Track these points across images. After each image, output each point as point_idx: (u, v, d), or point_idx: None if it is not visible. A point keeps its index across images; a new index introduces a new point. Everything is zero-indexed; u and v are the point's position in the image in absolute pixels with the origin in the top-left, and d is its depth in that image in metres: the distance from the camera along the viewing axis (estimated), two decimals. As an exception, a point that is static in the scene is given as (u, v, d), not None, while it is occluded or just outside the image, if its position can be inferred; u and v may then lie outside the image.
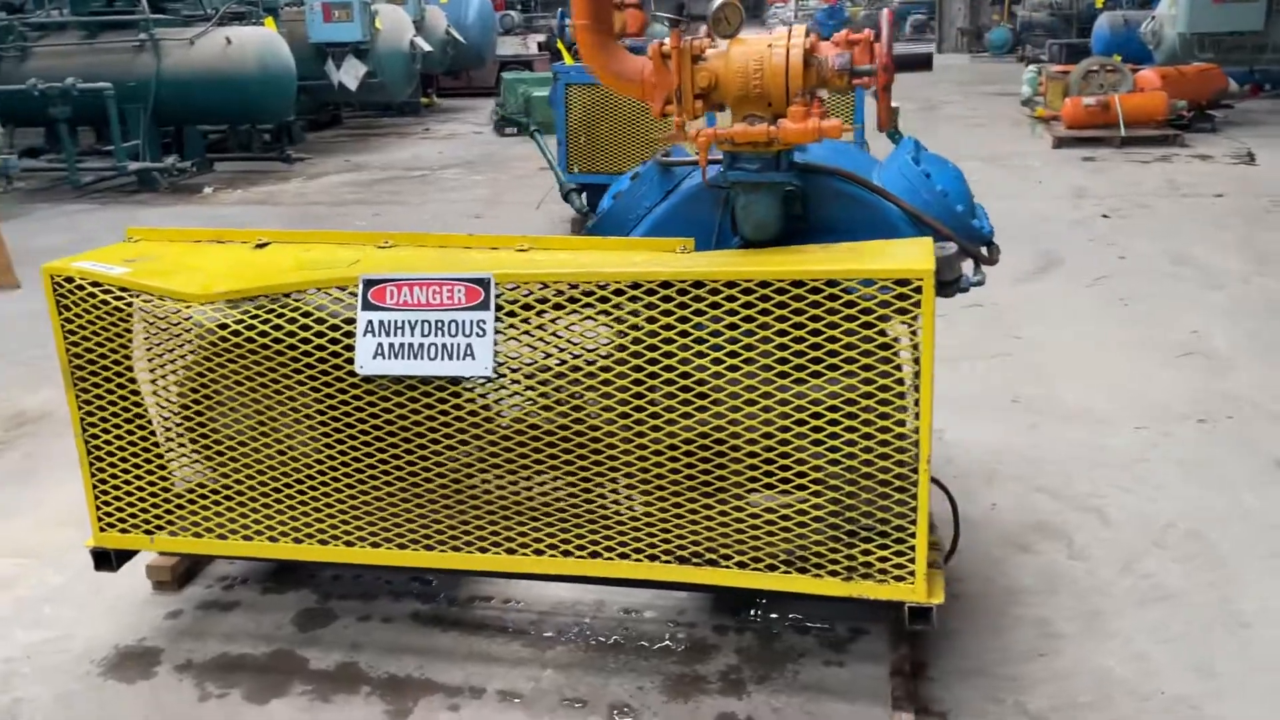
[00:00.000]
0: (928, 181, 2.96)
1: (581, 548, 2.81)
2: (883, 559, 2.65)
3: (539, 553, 2.81)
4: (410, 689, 2.94)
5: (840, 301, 2.53)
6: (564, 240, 2.92)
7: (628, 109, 8.33)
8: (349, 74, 13.68)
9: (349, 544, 2.89)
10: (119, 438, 2.99)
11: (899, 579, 2.64)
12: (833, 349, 2.56)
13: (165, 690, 2.99)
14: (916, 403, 2.56)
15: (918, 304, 2.47)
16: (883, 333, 2.52)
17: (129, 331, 2.88)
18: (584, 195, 5.09)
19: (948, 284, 2.85)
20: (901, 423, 2.57)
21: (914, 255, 2.57)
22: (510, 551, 2.83)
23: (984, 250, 3.08)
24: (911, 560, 2.63)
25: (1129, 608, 3.25)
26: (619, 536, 2.78)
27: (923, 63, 3.59)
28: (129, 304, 2.86)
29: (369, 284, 2.68)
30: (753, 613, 3.21)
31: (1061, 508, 3.92)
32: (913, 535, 2.61)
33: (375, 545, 2.88)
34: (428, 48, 14.85)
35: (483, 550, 2.84)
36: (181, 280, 2.83)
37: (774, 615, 3.21)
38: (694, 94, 2.62)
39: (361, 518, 2.89)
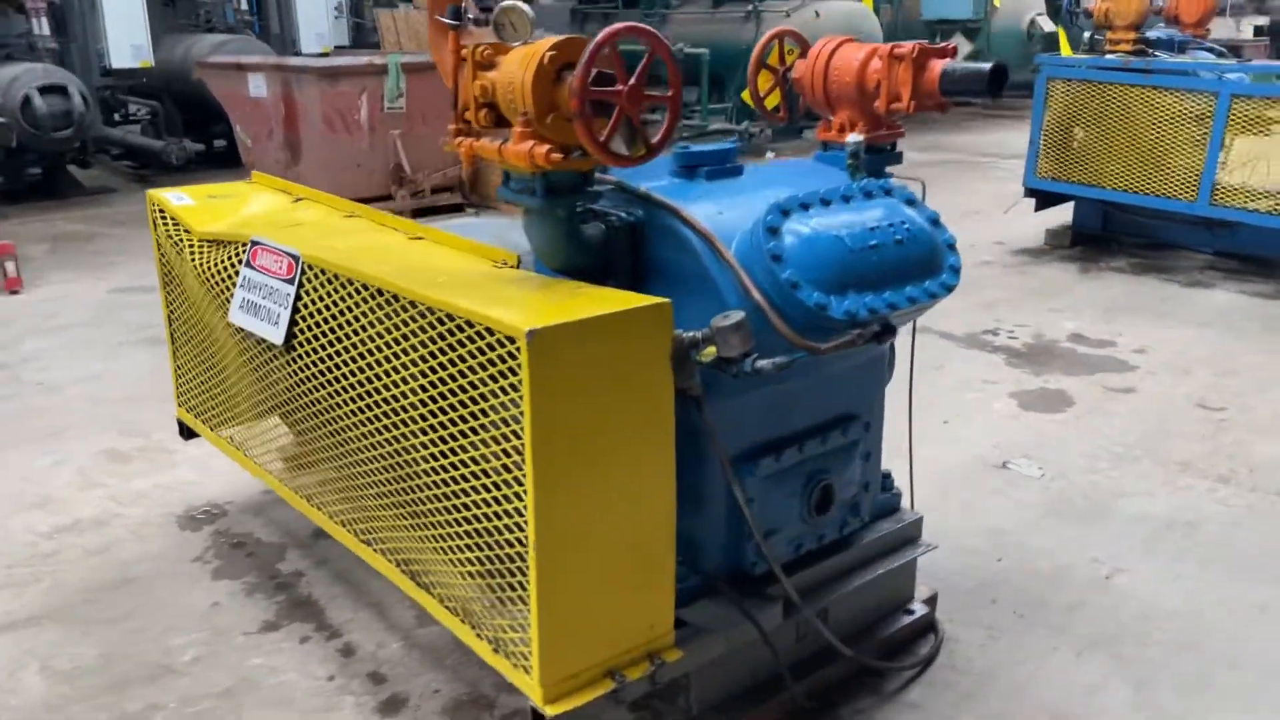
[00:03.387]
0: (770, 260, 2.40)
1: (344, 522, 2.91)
2: (517, 639, 2.34)
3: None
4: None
5: (465, 340, 2.26)
6: (429, 231, 2.93)
7: (1124, 112, 7.17)
8: (949, 54, 13.29)
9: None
10: (180, 333, 3.72)
11: (526, 669, 2.33)
12: (455, 398, 2.31)
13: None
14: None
15: (513, 369, 2.12)
16: (501, 393, 2.20)
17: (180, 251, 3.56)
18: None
19: (728, 361, 2.35)
20: (509, 499, 2.23)
21: (544, 309, 2.18)
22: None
23: (853, 337, 2.42)
24: (527, 654, 2.29)
25: None
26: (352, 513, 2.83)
27: (977, 85, 2.76)
28: (175, 228, 3.53)
29: (254, 244, 3.01)
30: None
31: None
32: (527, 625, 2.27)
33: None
34: (1050, 27, 13.79)
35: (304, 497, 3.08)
36: (202, 219, 3.42)
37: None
38: (478, 103, 2.47)
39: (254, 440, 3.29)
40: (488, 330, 2.16)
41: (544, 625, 2.24)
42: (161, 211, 3.57)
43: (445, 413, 2.35)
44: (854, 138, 2.73)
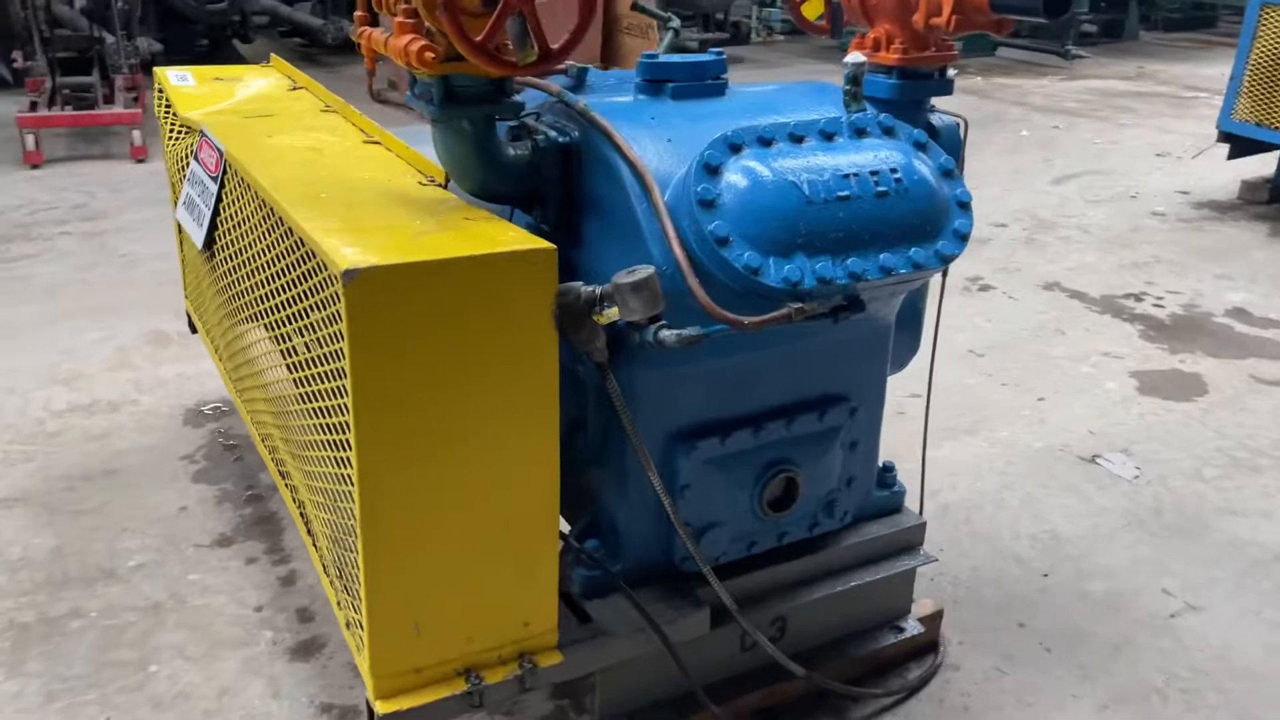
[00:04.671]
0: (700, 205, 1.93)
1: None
2: (357, 621, 2.04)
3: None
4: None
5: (310, 271, 1.91)
6: (389, 140, 2.58)
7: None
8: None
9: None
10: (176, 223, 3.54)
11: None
12: (306, 336, 1.96)
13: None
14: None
15: (338, 315, 1.75)
16: (336, 340, 1.83)
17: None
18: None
19: (634, 325, 1.92)
20: (347, 461, 1.89)
21: (398, 243, 1.80)
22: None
23: (790, 312, 1.93)
24: (360, 643, 1.98)
25: None
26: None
27: (1031, 1, 2.15)
28: (167, 110, 3.31)
29: (201, 135, 2.74)
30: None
31: None
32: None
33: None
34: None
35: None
36: (189, 102, 3.17)
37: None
38: (389, -13, 2.07)
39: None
40: (322, 264, 1.80)
41: (375, 611, 1.92)
42: (160, 90, 3.36)
43: (300, 351, 2.03)
44: (853, 58, 2.19)
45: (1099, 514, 3.45)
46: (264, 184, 2.16)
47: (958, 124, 2.57)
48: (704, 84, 2.29)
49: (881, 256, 2.00)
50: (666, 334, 1.89)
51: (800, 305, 1.92)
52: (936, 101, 2.57)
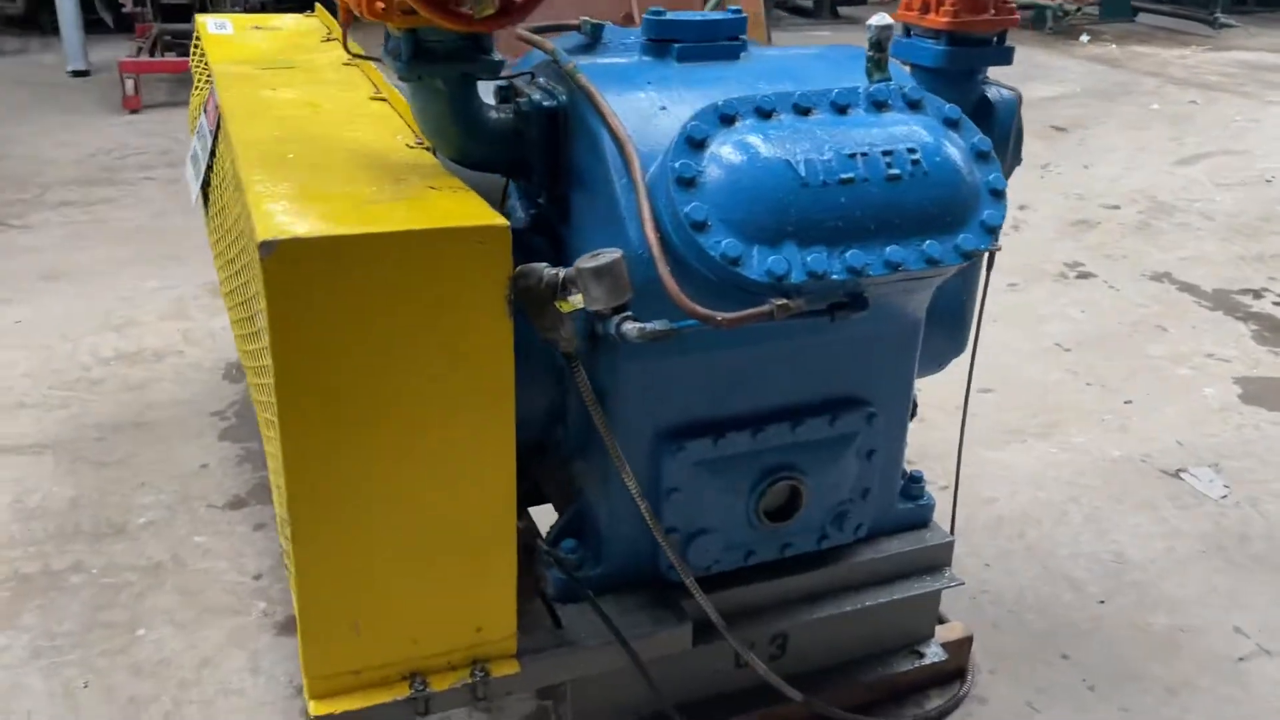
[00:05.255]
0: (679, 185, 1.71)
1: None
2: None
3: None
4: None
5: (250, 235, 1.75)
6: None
7: None
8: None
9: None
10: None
11: (306, 653, 1.89)
12: (253, 308, 1.82)
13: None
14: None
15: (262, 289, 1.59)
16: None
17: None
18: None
19: (600, 315, 1.73)
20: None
21: (343, 212, 1.63)
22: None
23: (772, 309, 1.69)
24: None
25: None
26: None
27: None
28: (200, 59, 3.22)
29: (210, 86, 2.63)
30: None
31: None
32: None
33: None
34: None
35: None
36: (223, 51, 3.07)
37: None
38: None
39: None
40: (251, 231, 1.65)
41: (307, 607, 1.79)
42: (197, 38, 3.27)
43: (251, 322, 1.90)
44: (878, 19, 1.92)
45: (1174, 536, 3.12)
46: (234, 140, 2.03)
47: (1016, 98, 2.28)
48: (715, 45, 2.06)
49: (889, 249, 1.75)
50: (629, 327, 1.69)
51: (784, 302, 1.68)
52: (995, 73, 2.29)
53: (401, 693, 1.88)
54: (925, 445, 3.29)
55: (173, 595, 2.75)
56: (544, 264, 1.73)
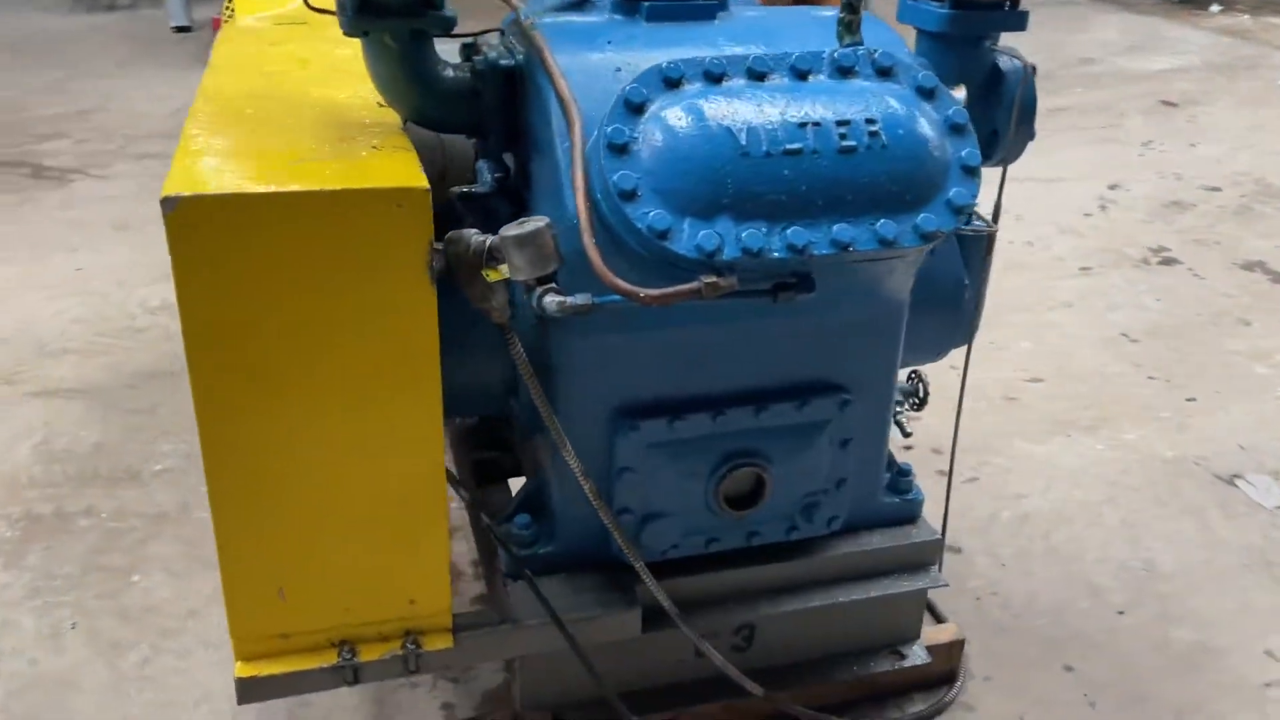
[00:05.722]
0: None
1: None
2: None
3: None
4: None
5: None
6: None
7: None
8: None
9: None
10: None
11: (236, 614, 1.88)
12: None
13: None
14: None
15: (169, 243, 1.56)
16: None
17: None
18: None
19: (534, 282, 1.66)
20: None
21: (267, 169, 1.58)
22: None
23: (700, 287, 1.59)
24: (224, 599, 1.85)
25: None
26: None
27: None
28: (229, 13, 3.22)
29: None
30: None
31: None
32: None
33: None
34: None
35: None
36: (253, 5, 3.08)
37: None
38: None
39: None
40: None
41: (229, 570, 1.79)
42: (231, -5, 3.28)
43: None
44: (849, -22, 1.78)
45: (1214, 547, 2.90)
46: (199, 93, 2.01)
47: (1028, 68, 2.11)
48: (688, 4, 1.94)
49: (836, 228, 1.62)
50: (550, 300, 1.61)
51: (713, 280, 1.58)
52: (1010, 39, 2.12)
53: (329, 660, 1.86)
54: (961, 437, 3.12)
55: (173, 544, 2.80)
56: (474, 230, 1.67)
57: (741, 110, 1.63)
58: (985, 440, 3.35)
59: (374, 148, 1.76)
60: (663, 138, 1.60)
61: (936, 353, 2.30)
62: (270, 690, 1.85)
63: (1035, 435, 3.40)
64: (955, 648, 2.40)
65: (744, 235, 1.59)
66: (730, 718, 2.26)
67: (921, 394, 2.40)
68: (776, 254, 1.60)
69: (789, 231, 1.60)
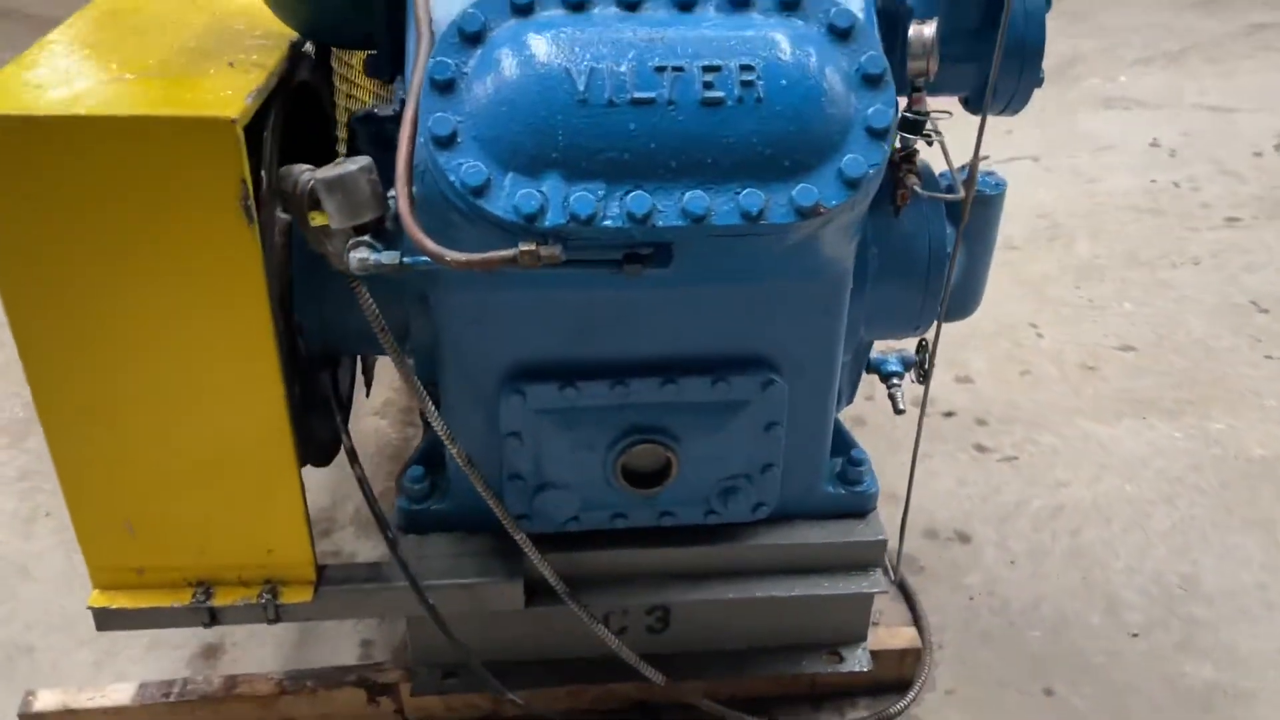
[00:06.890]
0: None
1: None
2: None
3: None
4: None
5: None
6: None
7: None
8: None
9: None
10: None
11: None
12: None
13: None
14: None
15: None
16: None
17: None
18: None
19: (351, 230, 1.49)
20: None
21: (70, 96, 1.45)
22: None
23: (516, 255, 1.37)
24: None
25: None
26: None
27: None
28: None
29: None
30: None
31: None
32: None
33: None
34: None
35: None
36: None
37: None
38: None
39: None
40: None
41: (71, 499, 1.74)
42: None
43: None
44: (756, -113, 1.46)
45: (1275, 571, 2.49)
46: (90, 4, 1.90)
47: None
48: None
49: (689, 195, 1.37)
50: (354, 255, 1.44)
51: (531, 248, 1.36)
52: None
53: (183, 599, 1.81)
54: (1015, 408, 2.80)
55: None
56: (306, 166, 1.50)
57: (592, 46, 1.38)
58: (1040, 413, 2.98)
59: (229, 65, 1.61)
60: (493, 75, 1.38)
61: (912, 327, 1.99)
62: (127, 621, 1.82)
63: (1103, 414, 3.00)
64: (909, 656, 2.15)
65: (573, 198, 1.36)
66: (648, 697, 2.10)
67: (926, 365, 2.11)
68: (611, 222, 1.36)
69: (629, 197, 1.36)
